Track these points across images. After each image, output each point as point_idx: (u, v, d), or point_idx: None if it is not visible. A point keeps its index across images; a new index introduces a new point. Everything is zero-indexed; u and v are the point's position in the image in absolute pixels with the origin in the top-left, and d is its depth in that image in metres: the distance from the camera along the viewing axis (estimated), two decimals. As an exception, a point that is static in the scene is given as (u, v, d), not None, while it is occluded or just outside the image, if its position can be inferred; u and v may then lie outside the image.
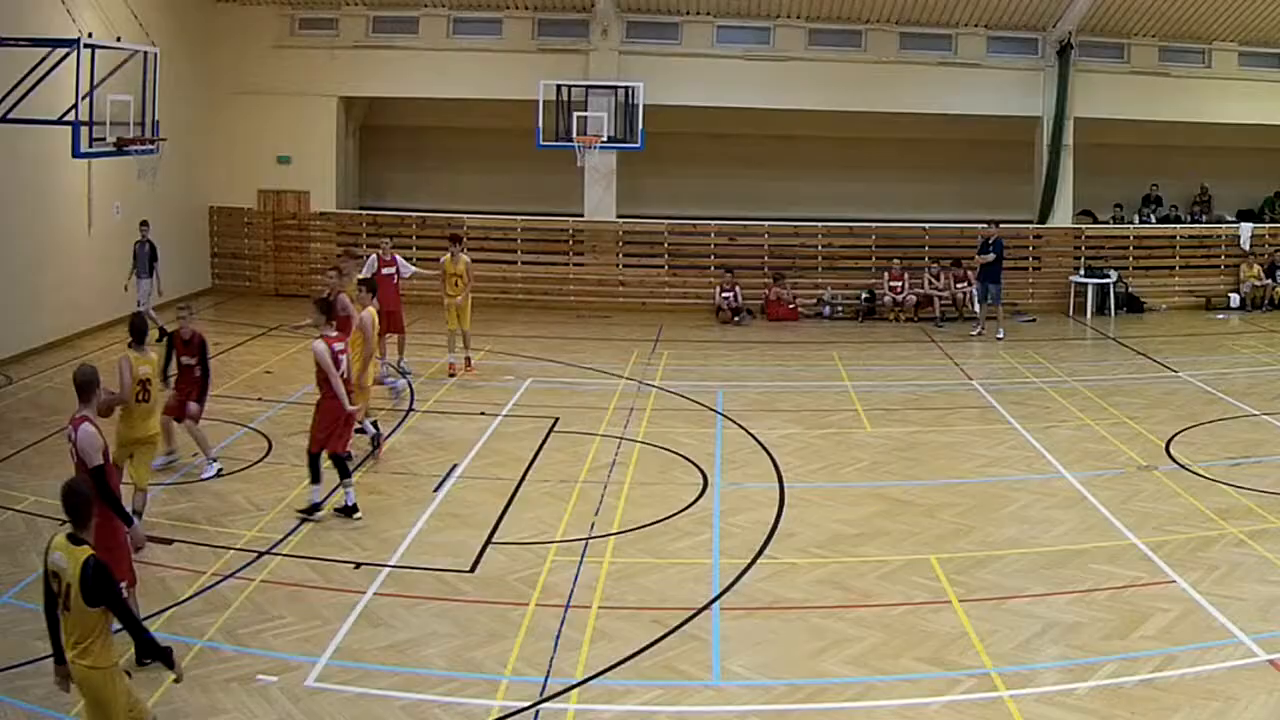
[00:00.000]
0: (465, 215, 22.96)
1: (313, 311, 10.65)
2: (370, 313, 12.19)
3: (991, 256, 19.72)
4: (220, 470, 11.40)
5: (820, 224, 23.02)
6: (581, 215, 22.73)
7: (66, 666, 5.70)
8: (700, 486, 11.28)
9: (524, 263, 22.71)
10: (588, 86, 21.44)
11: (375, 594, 8.64)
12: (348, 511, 10.19)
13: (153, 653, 5.88)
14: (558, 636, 7.97)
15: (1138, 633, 8.01)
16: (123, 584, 7.33)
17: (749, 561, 9.37)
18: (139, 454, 9.49)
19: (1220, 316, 22.33)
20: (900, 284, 21.85)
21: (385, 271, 15.53)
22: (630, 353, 17.85)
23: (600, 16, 22.07)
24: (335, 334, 10.57)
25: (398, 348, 15.93)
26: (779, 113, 22.73)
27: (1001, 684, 7.30)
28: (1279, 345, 19.16)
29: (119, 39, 14.79)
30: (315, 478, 10.23)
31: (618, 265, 22.75)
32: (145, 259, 17.46)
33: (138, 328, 9.62)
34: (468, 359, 16.10)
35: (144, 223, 17.59)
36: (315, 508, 10.19)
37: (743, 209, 23.78)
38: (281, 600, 8.48)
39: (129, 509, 7.82)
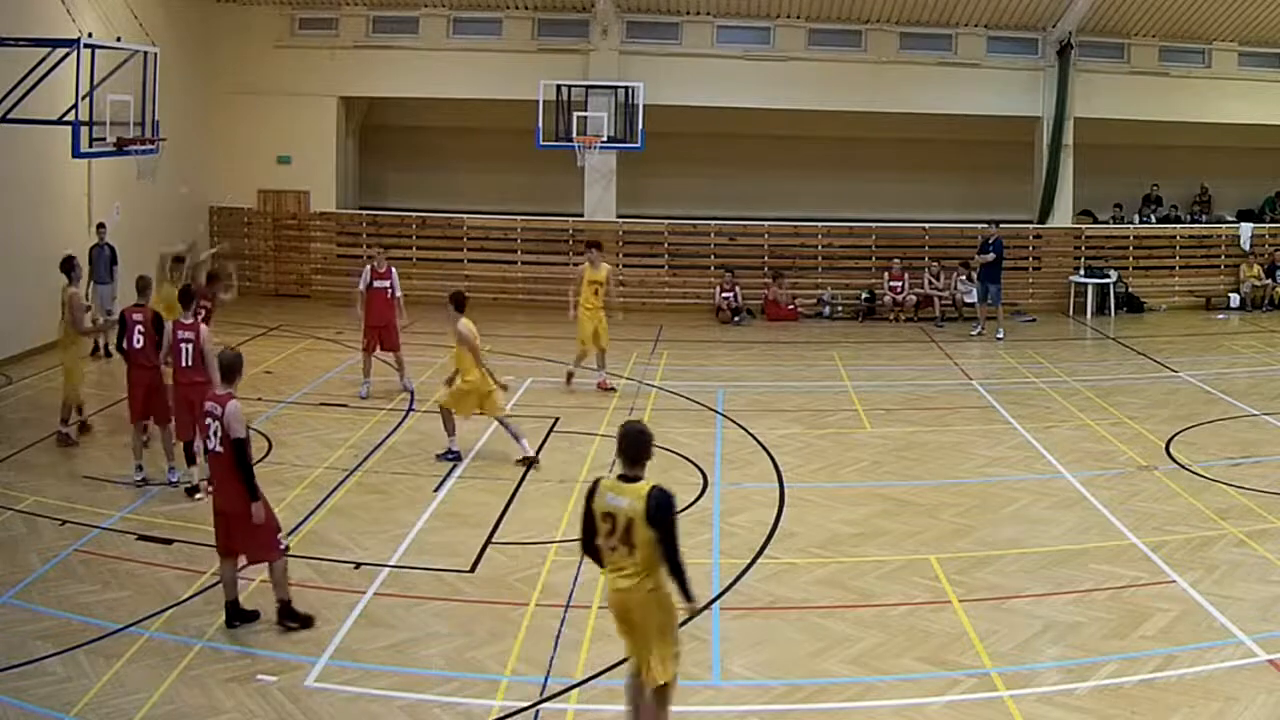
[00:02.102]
0: (465, 215, 22.99)
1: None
2: (467, 322, 11.78)
3: (991, 256, 19.72)
4: None
5: (820, 224, 23.02)
6: (581, 215, 22.73)
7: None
8: (700, 486, 11.27)
9: (524, 263, 22.71)
10: (588, 86, 21.46)
11: (375, 594, 8.64)
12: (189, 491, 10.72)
13: (684, 583, 6.07)
14: (558, 636, 7.97)
15: (1138, 633, 8.00)
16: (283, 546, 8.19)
17: (749, 561, 9.36)
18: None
19: (1220, 316, 22.33)
20: (900, 284, 21.86)
21: (379, 285, 14.71)
22: (630, 353, 17.83)
23: (600, 16, 22.07)
24: (189, 321, 10.85)
25: (397, 367, 14.99)
26: (779, 113, 22.70)
27: (1001, 684, 7.30)
28: (1279, 345, 19.17)
29: (119, 39, 14.78)
30: (190, 460, 10.85)
31: (618, 265, 22.70)
32: (105, 263, 16.66)
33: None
34: (605, 382, 15.33)
35: (100, 225, 17.10)
36: (194, 489, 10.70)
37: (743, 209, 23.77)
38: (281, 600, 8.46)
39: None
